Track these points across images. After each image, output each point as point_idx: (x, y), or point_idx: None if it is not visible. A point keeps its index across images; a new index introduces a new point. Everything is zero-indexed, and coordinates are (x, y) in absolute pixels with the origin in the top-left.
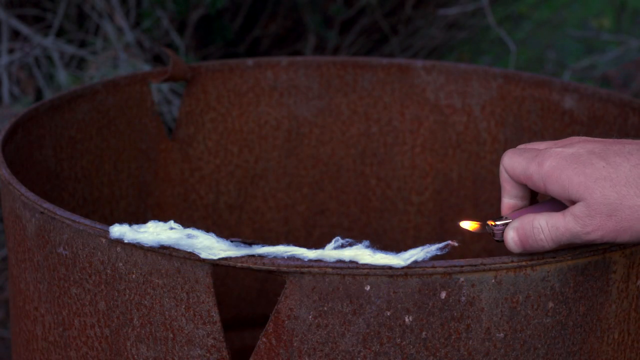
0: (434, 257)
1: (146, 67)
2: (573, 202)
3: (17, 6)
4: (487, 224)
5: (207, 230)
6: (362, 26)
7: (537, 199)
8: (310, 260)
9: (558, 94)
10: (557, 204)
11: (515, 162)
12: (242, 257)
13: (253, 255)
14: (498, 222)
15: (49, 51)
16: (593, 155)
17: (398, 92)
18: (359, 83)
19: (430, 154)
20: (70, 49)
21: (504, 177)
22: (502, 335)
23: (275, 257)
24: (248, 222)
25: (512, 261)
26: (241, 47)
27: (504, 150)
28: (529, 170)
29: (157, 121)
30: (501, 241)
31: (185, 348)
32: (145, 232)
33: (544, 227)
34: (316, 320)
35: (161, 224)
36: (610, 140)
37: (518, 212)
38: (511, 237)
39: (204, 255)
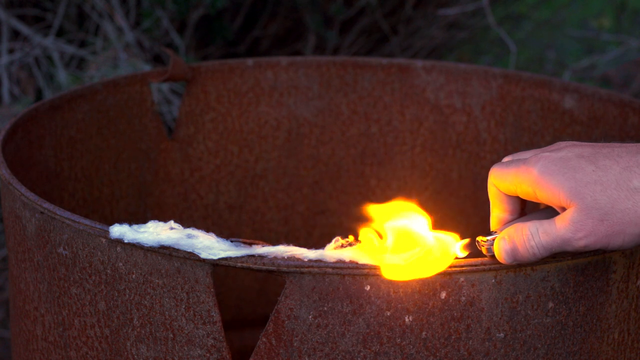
0: None
1: (146, 67)
2: (563, 208)
3: (17, 6)
4: (477, 241)
5: (207, 230)
6: (362, 26)
7: (524, 211)
8: (310, 260)
9: (558, 94)
10: (546, 215)
11: (504, 174)
12: (242, 257)
13: (253, 255)
14: (488, 237)
15: (49, 51)
16: (582, 159)
17: (398, 92)
18: (359, 83)
19: (430, 154)
20: (70, 49)
21: (492, 191)
22: (502, 335)
23: (275, 257)
24: (248, 222)
25: None
26: (241, 47)
27: (504, 150)
28: (518, 179)
29: (157, 121)
30: (493, 256)
31: (185, 348)
32: (145, 232)
33: (535, 233)
34: (316, 320)
35: (161, 224)
36: (599, 144)
37: (508, 225)
38: (501, 246)
39: (204, 255)
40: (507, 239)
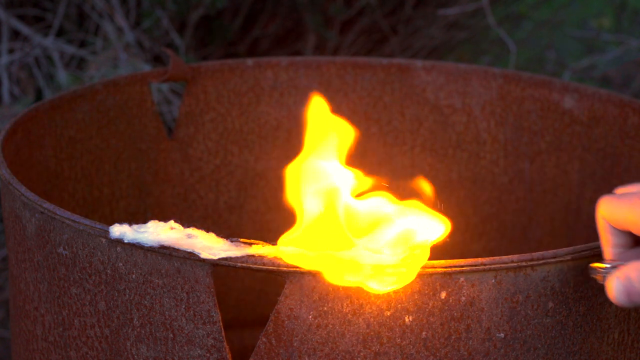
0: (434, 257)
1: (146, 67)
2: None
3: (17, 6)
4: (590, 267)
5: (207, 230)
6: (362, 26)
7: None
8: None
9: (558, 94)
10: None
11: (615, 209)
12: (242, 257)
13: (253, 255)
14: (607, 265)
15: (49, 51)
16: None
17: (398, 92)
18: (359, 83)
19: (430, 154)
20: (70, 49)
21: (603, 226)
22: (502, 335)
23: (275, 257)
24: (248, 222)
25: (512, 261)
26: (241, 47)
27: (504, 150)
28: (632, 214)
29: (157, 121)
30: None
31: (185, 348)
32: (145, 232)
33: None
34: (316, 320)
35: (161, 224)
36: None
37: (624, 255)
38: (615, 286)
39: (204, 255)
40: (623, 279)
